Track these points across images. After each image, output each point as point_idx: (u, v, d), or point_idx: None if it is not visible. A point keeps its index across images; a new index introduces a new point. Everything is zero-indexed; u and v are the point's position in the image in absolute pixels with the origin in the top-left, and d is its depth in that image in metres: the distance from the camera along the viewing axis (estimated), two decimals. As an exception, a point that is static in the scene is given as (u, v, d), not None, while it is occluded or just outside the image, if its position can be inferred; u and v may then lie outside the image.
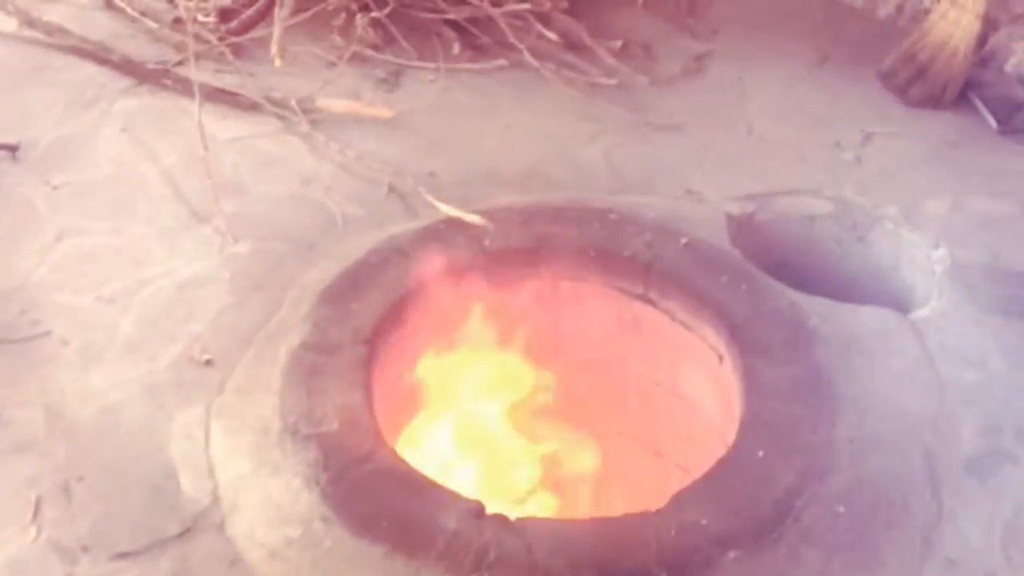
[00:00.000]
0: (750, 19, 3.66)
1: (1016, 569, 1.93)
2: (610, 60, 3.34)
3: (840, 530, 1.93)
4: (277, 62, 2.89)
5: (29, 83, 3.13)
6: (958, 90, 3.22)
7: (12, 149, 2.82)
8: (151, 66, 3.17)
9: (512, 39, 3.32)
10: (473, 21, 3.42)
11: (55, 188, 2.74)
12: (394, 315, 2.31)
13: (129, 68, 3.17)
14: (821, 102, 3.22)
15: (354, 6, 3.34)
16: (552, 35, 3.37)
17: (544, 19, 3.44)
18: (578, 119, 3.09)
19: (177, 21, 3.34)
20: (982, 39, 3.23)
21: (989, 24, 3.22)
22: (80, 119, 2.99)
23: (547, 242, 2.51)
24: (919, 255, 2.65)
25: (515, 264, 2.49)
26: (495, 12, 3.37)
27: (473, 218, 2.51)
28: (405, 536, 1.86)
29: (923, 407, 2.20)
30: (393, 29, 3.37)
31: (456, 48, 3.38)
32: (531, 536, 1.87)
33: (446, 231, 2.52)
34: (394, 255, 2.44)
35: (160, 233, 2.62)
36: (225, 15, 3.35)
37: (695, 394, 2.55)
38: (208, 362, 2.26)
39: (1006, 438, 2.15)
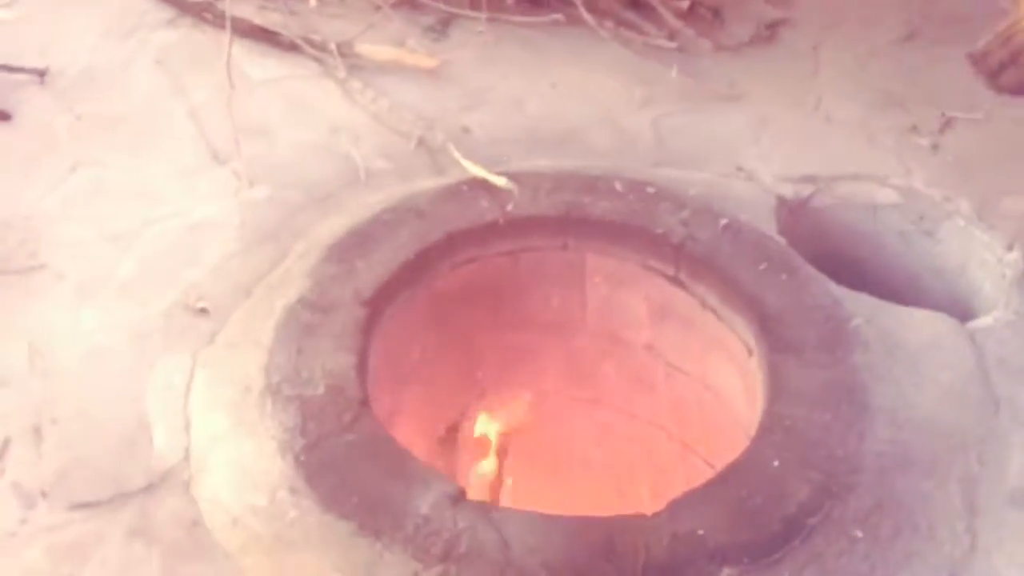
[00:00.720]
0: (835, -16, 3.38)
1: (1053, 621, 1.72)
2: (674, 21, 3.11)
3: (855, 556, 1.73)
4: (312, 2, 2.75)
5: (69, 6, 3.06)
6: (1055, 78, 2.92)
7: (40, 74, 2.75)
8: (194, -2, 3.07)
9: (570, -7, 3.13)
10: (530, -29, 3.22)
11: (78, 117, 2.66)
12: (400, 278, 2.17)
13: (172, -1, 3.08)
14: (901, 80, 2.95)
15: (408, -52, 3.18)
16: (614, -10, 3.18)
17: (607, -27, 3.23)
18: (630, 83, 2.88)
19: (227, -48, 3.23)
20: (1087, 23, 2.91)
21: (1095, 7, 2.91)
22: (115, 48, 2.92)
23: (574, 211, 2.33)
24: (989, 257, 2.40)
25: (537, 233, 2.33)
26: (555, -38, 3.17)
27: (499, 180, 2.35)
28: (374, 515, 1.73)
29: (969, 427, 1.97)
30: (447, -26, 3.21)
31: (510, -2, 3.20)
32: (509, 530, 1.72)
33: (469, 192, 2.36)
34: (409, 214, 2.30)
35: (178, 172, 2.53)
36: (273, -51, 3.22)
37: (724, 387, 2.36)
38: (203, 310, 2.15)
39: (1062, 470, 1.91)
